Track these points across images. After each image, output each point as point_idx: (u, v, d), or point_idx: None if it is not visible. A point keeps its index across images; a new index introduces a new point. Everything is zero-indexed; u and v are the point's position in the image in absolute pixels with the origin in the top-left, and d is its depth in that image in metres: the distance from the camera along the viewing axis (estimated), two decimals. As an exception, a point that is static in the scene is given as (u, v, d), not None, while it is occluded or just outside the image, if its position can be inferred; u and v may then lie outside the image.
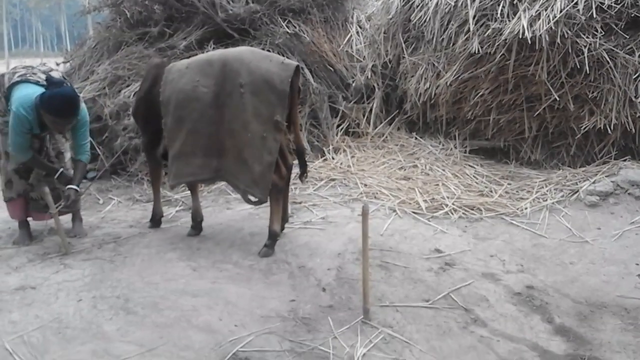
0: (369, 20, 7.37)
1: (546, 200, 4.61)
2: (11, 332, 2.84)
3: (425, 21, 6.13)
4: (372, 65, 6.72)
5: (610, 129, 5.18)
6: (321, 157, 5.92)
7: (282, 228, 3.97)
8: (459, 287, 3.34)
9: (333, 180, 5.29)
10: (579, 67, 5.16)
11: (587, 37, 5.08)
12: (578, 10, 5.05)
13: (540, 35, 5.02)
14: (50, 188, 3.87)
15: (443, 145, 6.11)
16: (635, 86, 5.09)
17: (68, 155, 4.10)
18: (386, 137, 6.37)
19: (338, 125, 6.40)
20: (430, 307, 3.13)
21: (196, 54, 5.81)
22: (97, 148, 5.54)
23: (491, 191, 4.90)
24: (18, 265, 3.64)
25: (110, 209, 4.91)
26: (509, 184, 5.08)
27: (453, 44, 5.83)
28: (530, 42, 5.11)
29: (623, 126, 5.21)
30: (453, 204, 4.56)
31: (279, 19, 6.56)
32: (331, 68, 6.53)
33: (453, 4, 5.81)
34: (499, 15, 5.40)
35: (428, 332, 2.90)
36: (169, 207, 4.82)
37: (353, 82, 6.57)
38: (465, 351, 2.75)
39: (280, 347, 2.74)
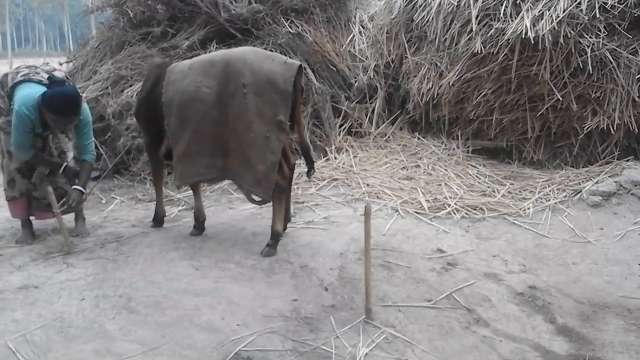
0: (372, 20, 7.37)
1: (549, 200, 4.61)
2: (14, 330, 2.84)
3: (428, 21, 6.13)
4: (375, 65, 6.72)
5: (613, 129, 5.18)
6: (323, 157, 5.92)
7: (285, 228, 3.98)
8: (461, 287, 3.33)
9: (335, 180, 5.29)
10: (582, 67, 5.15)
11: (590, 37, 5.08)
12: (581, 10, 5.04)
13: (543, 35, 5.01)
14: (53, 187, 3.87)
15: (445, 145, 6.10)
16: (638, 86, 5.09)
17: (71, 154, 4.10)
18: (389, 137, 6.37)
19: (340, 125, 6.40)
20: (432, 307, 3.12)
21: (199, 54, 5.82)
22: (99, 148, 5.55)
23: (494, 191, 4.90)
24: (21, 264, 3.65)
25: (113, 208, 4.91)
26: (511, 184, 5.08)
27: (456, 44, 5.82)
28: (533, 42, 5.10)
29: (626, 126, 5.21)
30: (455, 204, 4.56)
31: (282, 18, 6.56)
32: (334, 68, 6.53)
33: (456, 3, 5.81)
34: (501, 15, 5.39)
35: (430, 332, 2.89)
36: (171, 207, 4.82)
37: (355, 82, 6.57)
38: (468, 351, 2.75)
39: (282, 346, 2.74)
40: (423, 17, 6.17)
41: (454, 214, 4.43)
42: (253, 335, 2.80)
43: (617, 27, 5.15)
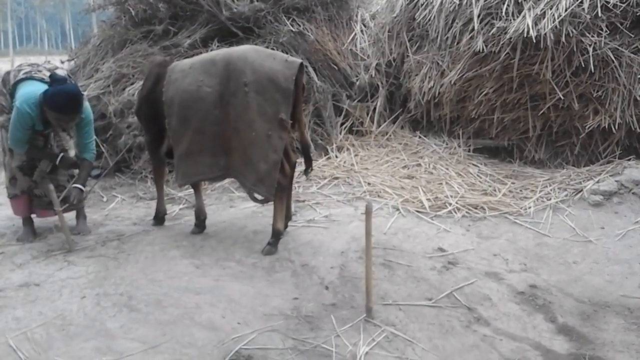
0: (374, 19, 7.37)
1: (550, 199, 4.60)
2: (15, 328, 2.85)
3: (429, 20, 6.12)
4: (376, 64, 6.72)
5: (615, 128, 5.17)
6: (325, 156, 5.92)
7: (286, 226, 3.98)
8: (462, 286, 3.33)
9: (336, 178, 5.29)
10: (583, 66, 5.15)
11: (592, 36, 5.07)
12: (583, 9, 5.03)
13: (545, 34, 5.01)
14: (55, 185, 3.88)
15: (447, 144, 6.10)
16: (640, 85, 5.08)
17: (72, 152, 4.11)
18: (390, 135, 6.37)
19: (342, 124, 6.40)
20: (433, 305, 3.12)
21: (200, 53, 5.82)
22: (101, 146, 5.55)
23: (495, 190, 4.89)
24: (22, 262, 3.66)
25: (114, 206, 4.92)
26: (512, 183, 5.07)
27: (457, 43, 5.82)
28: (535, 41, 5.10)
29: (627, 125, 5.20)
30: (456, 202, 4.55)
31: (284, 17, 6.55)
32: (335, 66, 6.53)
33: (458, 2, 5.80)
34: (503, 13, 5.39)
35: (431, 330, 2.90)
36: (172, 205, 4.83)
37: (357, 80, 6.57)
38: (468, 350, 2.75)
39: (283, 344, 2.74)
40: (425, 15, 6.17)
41: (455, 212, 4.42)
42: (254, 333, 2.81)
43: (619, 26, 5.14)
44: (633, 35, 5.14)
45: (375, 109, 6.54)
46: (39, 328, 2.85)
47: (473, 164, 5.62)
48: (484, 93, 5.69)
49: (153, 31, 6.48)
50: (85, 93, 4.70)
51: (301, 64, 3.61)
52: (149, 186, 5.35)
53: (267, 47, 5.67)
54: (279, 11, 6.58)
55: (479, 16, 5.54)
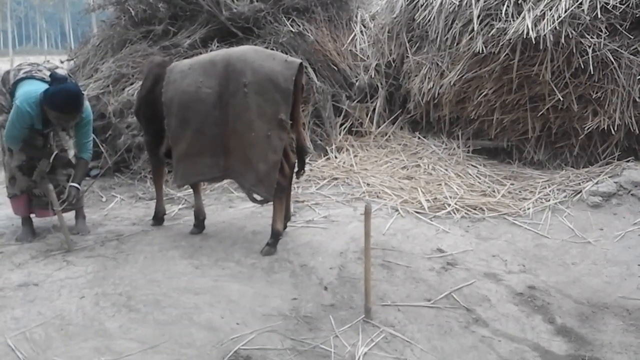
0: (373, 20, 7.37)
1: (549, 200, 4.61)
2: (14, 328, 2.85)
3: (429, 20, 6.13)
4: (376, 65, 6.72)
5: (614, 129, 5.18)
6: (324, 156, 5.92)
7: (285, 227, 3.98)
8: (460, 286, 3.33)
9: (336, 179, 5.30)
10: (583, 67, 5.15)
11: (592, 38, 5.07)
12: (583, 10, 5.04)
13: (545, 35, 5.01)
14: (54, 185, 3.88)
15: (446, 144, 6.11)
16: (639, 87, 5.08)
17: (72, 152, 4.11)
18: (389, 136, 6.37)
19: (341, 124, 6.41)
20: (431, 306, 3.12)
21: (200, 53, 5.83)
22: (100, 146, 5.55)
23: (494, 191, 4.90)
24: (21, 262, 3.66)
25: (113, 206, 4.92)
26: (511, 184, 5.08)
27: (457, 44, 5.82)
28: (534, 42, 5.10)
29: (626, 127, 5.20)
30: (455, 203, 4.56)
31: (283, 17, 6.56)
32: (335, 67, 6.54)
33: (457, 3, 5.81)
34: (503, 15, 5.39)
35: (429, 331, 2.90)
36: (171, 205, 4.83)
37: (356, 81, 6.58)
38: (467, 351, 2.75)
39: (281, 345, 2.74)
40: (424, 16, 6.18)
41: (454, 213, 4.43)
42: (252, 334, 2.81)
43: (619, 27, 5.15)
44: (632, 37, 5.14)
45: (374, 109, 6.55)
46: (38, 328, 2.85)
47: (472, 165, 5.63)
48: (483, 94, 5.69)
49: (153, 31, 6.48)
50: (84, 93, 4.70)
51: (301, 64, 3.61)
52: (148, 186, 5.35)
53: (266, 48, 5.67)
54: (279, 11, 6.59)
55: (478, 17, 5.54)
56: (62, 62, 6.92)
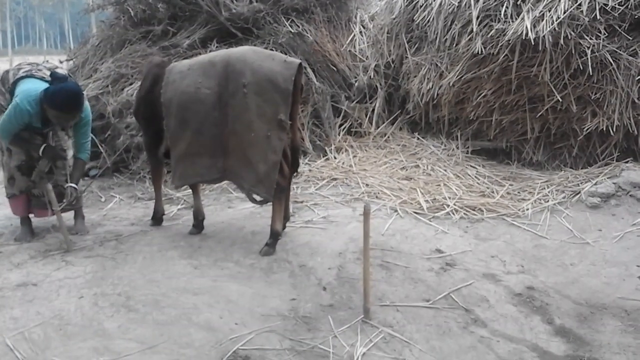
0: (373, 20, 7.38)
1: (547, 201, 4.61)
2: (12, 328, 2.85)
3: (428, 21, 6.13)
4: (375, 65, 6.72)
5: (613, 130, 5.18)
6: (323, 157, 5.92)
7: (284, 227, 3.98)
8: (459, 287, 3.34)
9: (335, 179, 5.30)
10: (582, 68, 5.15)
11: (591, 39, 5.08)
12: (582, 11, 5.04)
13: (544, 36, 5.02)
14: (53, 185, 3.88)
15: (445, 145, 6.11)
16: (638, 88, 5.09)
17: (71, 152, 4.11)
18: (388, 137, 6.37)
19: (340, 125, 6.41)
20: (430, 307, 3.13)
21: (199, 53, 5.83)
22: (99, 146, 5.56)
23: (493, 192, 4.90)
24: (20, 261, 3.65)
25: (112, 206, 4.92)
26: (510, 184, 5.08)
27: (456, 45, 5.83)
28: (533, 43, 5.11)
29: (625, 128, 5.21)
30: (454, 204, 4.56)
31: (283, 18, 6.56)
32: (334, 68, 6.54)
33: (457, 4, 5.81)
34: (502, 16, 5.40)
35: (428, 332, 2.90)
36: (170, 205, 4.83)
37: (356, 81, 6.58)
38: (465, 351, 2.75)
39: (280, 345, 2.74)
40: (424, 17, 6.18)
41: (453, 214, 4.43)
42: (251, 334, 2.81)
43: (618, 28, 5.16)
44: (631, 38, 5.15)
45: (373, 110, 6.55)
46: (37, 328, 2.85)
47: (471, 166, 5.63)
48: (482, 95, 5.70)
49: (152, 31, 6.48)
50: (84, 93, 4.70)
51: (300, 64, 3.61)
52: (147, 186, 5.34)
53: (266, 48, 5.67)
54: (278, 12, 6.59)
55: (477, 18, 5.55)
56: (61, 62, 6.92)
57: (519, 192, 4.89)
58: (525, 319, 3.04)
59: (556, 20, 5.02)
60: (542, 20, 5.10)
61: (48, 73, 3.84)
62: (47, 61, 4.35)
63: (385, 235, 4.02)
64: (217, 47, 6.17)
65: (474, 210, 4.50)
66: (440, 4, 5.99)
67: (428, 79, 6.16)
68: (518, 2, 5.40)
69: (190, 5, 6.46)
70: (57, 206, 3.78)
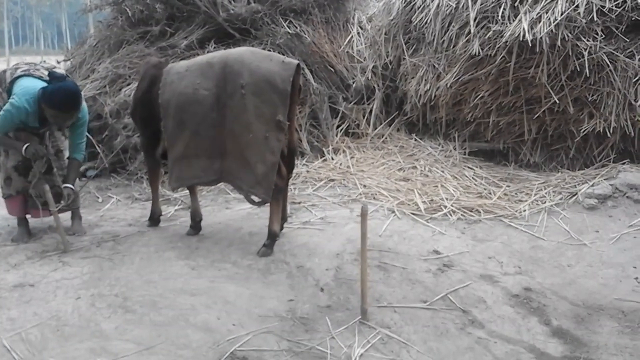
0: (370, 21, 7.38)
1: (545, 202, 4.62)
2: (9, 329, 2.84)
3: (426, 23, 6.14)
4: (373, 66, 6.73)
5: (610, 132, 5.19)
6: (321, 158, 5.92)
7: (281, 228, 3.98)
8: (456, 288, 3.34)
9: (332, 180, 5.30)
10: (579, 70, 5.16)
11: (588, 40, 5.09)
12: (579, 13, 5.06)
13: (541, 38, 5.03)
14: (50, 186, 3.87)
15: (442, 146, 6.12)
16: (635, 89, 5.10)
17: (67, 153, 4.10)
18: (386, 138, 6.38)
19: (338, 126, 6.41)
20: (428, 308, 3.13)
21: (197, 54, 5.83)
22: (96, 146, 5.55)
23: (490, 193, 4.91)
24: (17, 262, 3.65)
25: (110, 207, 4.91)
26: (507, 186, 5.09)
27: (454, 46, 5.84)
28: (530, 45, 5.11)
29: (622, 129, 5.22)
30: (452, 205, 4.56)
31: (280, 19, 6.56)
32: (332, 69, 6.54)
33: (454, 5, 5.82)
34: (499, 17, 5.41)
35: (425, 333, 2.90)
36: (168, 206, 4.82)
37: (353, 82, 6.58)
38: (463, 352, 2.75)
39: (278, 346, 2.74)
40: (421, 18, 6.19)
41: (450, 215, 4.43)
42: (249, 335, 2.81)
43: (615, 30, 5.17)
44: (628, 40, 5.16)
45: (371, 111, 6.55)
46: (34, 329, 2.84)
47: (468, 167, 5.64)
48: (479, 96, 5.71)
49: (150, 32, 6.48)
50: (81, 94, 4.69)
51: (298, 65, 3.61)
52: (144, 187, 5.34)
53: (263, 49, 5.67)
54: (276, 13, 6.59)
55: (475, 19, 5.56)
56: (58, 62, 6.91)
57: (516, 194, 4.90)
58: (522, 320, 3.05)
59: (553, 22, 5.03)
60: (540, 22, 5.11)
61: (46, 73, 3.84)
62: (45, 61, 4.34)
63: (382, 236, 4.03)
64: (214, 47, 6.17)
65: (471, 211, 4.51)
66: (438, 5, 6.00)
67: (425, 80, 6.17)
68: (515, 4, 5.41)
69: (188, 5, 6.46)
70: (54, 207, 3.78)
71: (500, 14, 5.41)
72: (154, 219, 4.35)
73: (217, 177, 3.86)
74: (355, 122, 6.48)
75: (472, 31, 5.53)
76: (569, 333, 2.95)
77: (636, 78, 5.08)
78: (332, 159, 5.88)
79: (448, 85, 5.86)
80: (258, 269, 3.53)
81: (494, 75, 5.55)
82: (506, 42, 5.27)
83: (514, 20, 5.29)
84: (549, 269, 3.67)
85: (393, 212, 4.48)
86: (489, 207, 4.58)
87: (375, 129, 6.48)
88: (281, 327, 2.89)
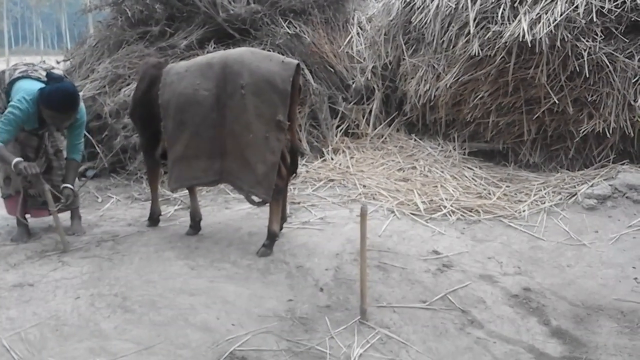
0: (370, 22, 7.38)
1: (544, 203, 4.62)
2: (9, 328, 2.84)
3: (425, 23, 6.14)
4: (372, 67, 6.74)
5: (609, 132, 5.19)
6: (320, 158, 5.93)
7: (281, 228, 3.98)
8: (456, 288, 3.34)
9: (332, 180, 5.30)
10: (578, 70, 5.17)
11: (587, 41, 5.10)
12: (578, 13, 5.06)
13: (541, 38, 5.03)
14: (49, 185, 3.87)
15: (442, 147, 6.12)
16: (634, 90, 5.10)
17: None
18: (385, 138, 6.38)
19: (337, 126, 6.41)
20: (427, 308, 3.13)
21: (197, 54, 5.83)
22: (96, 146, 5.55)
23: (489, 193, 4.91)
24: (16, 262, 3.64)
25: (109, 207, 4.91)
26: (507, 186, 5.09)
27: (453, 46, 5.84)
28: (530, 45, 5.12)
29: (622, 130, 5.22)
30: (451, 205, 4.57)
31: (280, 19, 6.57)
32: (331, 69, 6.54)
33: (454, 6, 5.82)
34: (499, 18, 5.41)
35: (425, 333, 2.90)
36: (167, 206, 4.82)
37: (353, 83, 6.58)
38: (462, 352, 2.75)
39: (277, 346, 2.74)
40: (421, 19, 6.19)
41: (450, 215, 4.44)
42: (248, 335, 2.81)
43: (614, 31, 5.17)
44: (628, 40, 5.17)
45: (371, 111, 6.56)
46: (33, 328, 2.84)
47: (468, 167, 5.64)
48: (479, 97, 5.71)
49: (149, 32, 6.48)
50: (80, 94, 4.69)
51: (298, 65, 3.60)
52: (144, 187, 5.34)
53: (263, 49, 5.67)
54: (276, 13, 6.60)
55: (474, 20, 5.56)
56: (58, 62, 6.92)
57: (515, 194, 4.90)
58: (521, 320, 3.05)
59: (553, 23, 5.04)
60: (539, 22, 5.12)
61: (44, 73, 3.84)
62: (44, 61, 4.34)
63: (382, 236, 4.03)
64: (214, 48, 6.17)
65: (470, 211, 4.51)
66: (438, 5, 6.00)
67: (425, 80, 6.17)
68: (515, 5, 5.41)
69: (188, 6, 6.46)
70: (54, 207, 3.78)
71: (499, 14, 5.42)
72: (154, 219, 4.35)
73: (217, 178, 3.85)
74: (354, 122, 6.49)
75: (471, 32, 5.54)
76: (568, 333, 2.95)
77: (635, 78, 5.09)
78: (332, 159, 5.88)
79: (447, 86, 5.86)
80: (257, 268, 3.53)
81: (494, 76, 5.56)
82: (506, 42, 5.27)
83: (513, 21, 5.30)
84: (549, 269, 3.68)
85: (392, 212, 4.48)
86: (488, 207, 4.58)
87: (375, 129, 6.49)
88: (280, 327, 2.89)
